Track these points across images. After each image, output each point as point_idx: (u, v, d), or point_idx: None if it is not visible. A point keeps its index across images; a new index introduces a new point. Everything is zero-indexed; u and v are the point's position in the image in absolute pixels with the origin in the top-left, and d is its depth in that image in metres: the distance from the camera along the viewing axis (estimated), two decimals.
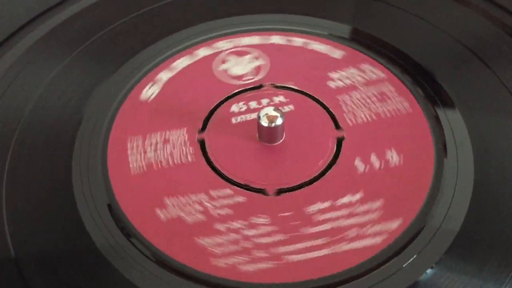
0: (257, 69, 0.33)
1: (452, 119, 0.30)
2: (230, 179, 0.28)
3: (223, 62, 0.34)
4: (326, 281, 0.24)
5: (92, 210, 0.27)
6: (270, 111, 0.29)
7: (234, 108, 0.31)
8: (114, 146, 0.29)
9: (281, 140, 0.30)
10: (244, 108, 0.31)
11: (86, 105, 0.31)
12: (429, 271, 0.24)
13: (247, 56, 0.34)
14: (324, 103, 0.31)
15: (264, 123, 0.29)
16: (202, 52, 0.34)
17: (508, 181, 0.27)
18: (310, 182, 0.28)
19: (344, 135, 0.30)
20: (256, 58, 0.34)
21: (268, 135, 0.29)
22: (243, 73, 0.33)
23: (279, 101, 0.31)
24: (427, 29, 0.35)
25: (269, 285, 0.24)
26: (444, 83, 0.32)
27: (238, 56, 0.34)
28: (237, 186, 0.28)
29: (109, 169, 0.28)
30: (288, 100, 0.31)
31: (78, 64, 0.34)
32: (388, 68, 0.33)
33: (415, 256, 0.25)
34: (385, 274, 0.24)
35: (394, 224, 0.26)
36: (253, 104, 0.31)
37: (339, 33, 0.35)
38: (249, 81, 0.33)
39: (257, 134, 0.30)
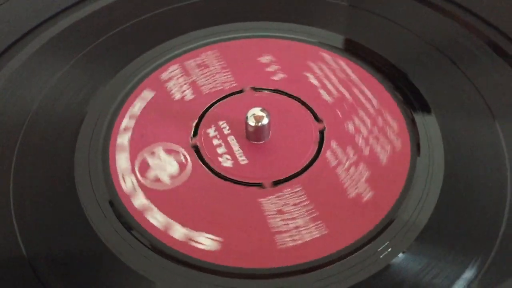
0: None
1: (426, 120, 0.32)
2: (228, 178, 0.30)
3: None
4: (318, 262, 0.27)
5: (93, 202, 0.29)
6: (257, 111, 0.31)
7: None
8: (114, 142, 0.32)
9: (269, 138, 0.32)
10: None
11: (89, 104, 0.34)
12: (400, 255, 0.27)
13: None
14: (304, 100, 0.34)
15: (252, 122, 0.31)
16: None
17: (475, 177, 0.30)
18: (301, 172, 0.30)
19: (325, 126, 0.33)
20: None
21: (256, 134, 0.31)
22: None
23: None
24: (398, 31, 0.38)
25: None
26: (419, 86, 0.34)
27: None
28: (236, 183, 0.30)
29: (110, 161, 0.31)
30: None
31: (81, 67, 0.36)
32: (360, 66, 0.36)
33: (387, 242, 0.27)
34: (363, 257, 0.27)
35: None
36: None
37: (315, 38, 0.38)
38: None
39: (245, 134, 0.32)
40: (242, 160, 0.31)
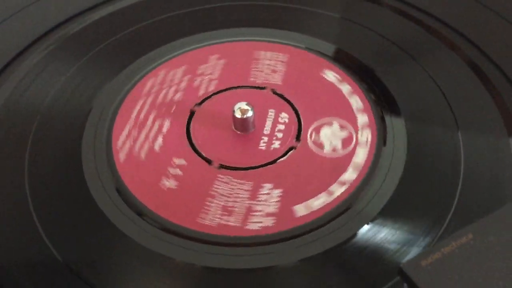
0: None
1: (393, 115, 0.36)
2: (221, 165, 0.34)
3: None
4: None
5: (100, 187, 0.33)
6: (243, 105, 0.35)
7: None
8: (117, 132, 0.36)
9: (254, 129, 0.36)
10: None
11: (95, 98, 0.38)
12: (365, 226, 0.31)
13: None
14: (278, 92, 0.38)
15: (238, 115, 0.35)
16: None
17: (431, 163, 0.34)
18: (290, 149, 0.35)
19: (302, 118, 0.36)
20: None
21: (241, 125, 0.36)
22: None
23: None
24: (362, 33, 0.42)
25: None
26: (387, 83, 0.38)
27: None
28: (227, 169, 0.34)
29: (113, 149, 0.35)
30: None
31: (89, 66, 0.40)
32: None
33: (356, 214, 0.31)
34: (333, 228, 0.31)
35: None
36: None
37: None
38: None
39: (233, 126, 0.36)
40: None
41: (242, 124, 0.36)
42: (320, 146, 0.35)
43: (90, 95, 0.38)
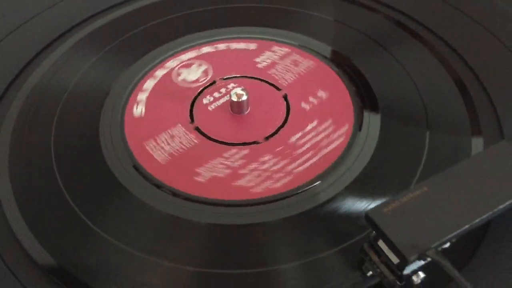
0: (205, 72, 0.44)
1: (369, 103, 0.41)
2: (230, 143, 0.39)
3: (179, 74, 0.45)
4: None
5: (115, 159, 0.39)
6: (238, 90, 0.41)
7: (205, 101, 0.42)
8: (128, 116, 0.42)
9: (248, 111, 0.41)
10: (211, 98, 0.42)
11: (111, 87, 0.44)
12: (342, 190, 0.36)
13: (193, 66, 0.45)
14: (262, 78, 0.44)
15: (234, 98, 0.40)
16: (160, 72, 0.45)
17: (402, 134, 0.39)
18: (282, 125, 0.40)
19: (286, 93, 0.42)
20: (200, 65, 0.45)
21: (238, 107, 0.41)
22: (197, 77, 0.44)
23: (233, 86, 0.43)
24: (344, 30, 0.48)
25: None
26: (365, 73, 0.43)
27: (186, 68, 0.45)
28: (237, 145, 0.39)
29: (126, 129, 0.41)
30: (237, 84, 0.43)
31: (105, 60, 0.46)
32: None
33: (336, 179, 0.37)
34: (312, 192, 0.36)
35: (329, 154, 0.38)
36: (216, 94, 0.43)
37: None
38: (204, 81, 0.44)
39: (230, 109, 0.41)
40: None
41: (238, 107, 0.41)
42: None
43: (110, 78, 0.44)
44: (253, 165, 0.38)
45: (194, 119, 0.41)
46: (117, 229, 0.35)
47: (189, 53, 0.46)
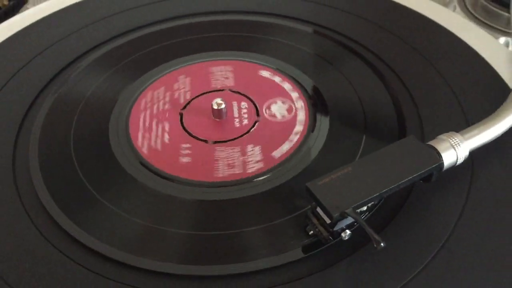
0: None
1: (320, 106, 0.52)
2: (214, 141, 0.48)
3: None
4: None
5: (122, 153, 0.49)
6: (218, 100, 0.51)
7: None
8: (133, 121, 0.52)
9: (226, 116, 0.52)
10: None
11: (119, 96, 0.54)
12: (298, 173, 0.46)
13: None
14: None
15: (215, 106, 0.51)
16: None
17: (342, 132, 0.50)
18: (253, 125, 0.50)
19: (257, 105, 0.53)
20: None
21: (218, 114, 0.51)
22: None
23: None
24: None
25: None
26: (320, 87, 0.55)
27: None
28: (219, 142, 0.48)
29: (131, 131, 0.51)
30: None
31: (116, 74, 0.56)
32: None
33: (293, 166, 0.47)
34: (274, 176, 0.46)
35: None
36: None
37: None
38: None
39: (212, 116, 0.52)
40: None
41: (219, 113, 0.52)
42: (274, 116, 0.51)
43: (117, 91, 0.55)
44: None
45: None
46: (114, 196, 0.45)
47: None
